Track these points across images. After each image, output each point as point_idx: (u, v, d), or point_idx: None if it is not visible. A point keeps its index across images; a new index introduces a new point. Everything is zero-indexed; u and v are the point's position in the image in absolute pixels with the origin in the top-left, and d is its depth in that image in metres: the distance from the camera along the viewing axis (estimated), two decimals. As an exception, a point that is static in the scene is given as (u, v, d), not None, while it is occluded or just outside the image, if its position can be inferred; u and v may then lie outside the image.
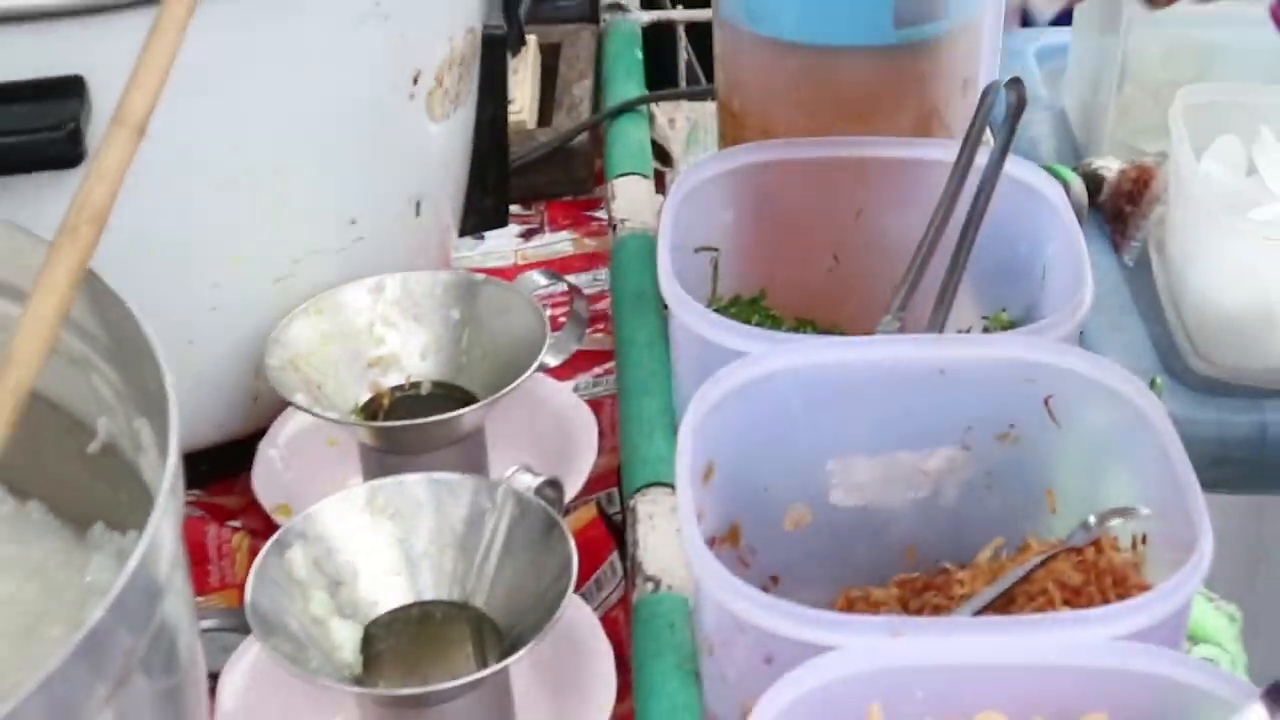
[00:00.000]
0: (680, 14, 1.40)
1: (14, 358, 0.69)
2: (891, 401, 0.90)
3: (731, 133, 1.17)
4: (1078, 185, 1.39)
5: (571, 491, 0.99)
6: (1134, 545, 0.84)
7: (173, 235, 0.90)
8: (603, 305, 1.22)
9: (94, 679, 0.63)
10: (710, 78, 1.22)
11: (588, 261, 1.29)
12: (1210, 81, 1.37)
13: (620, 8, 1.45)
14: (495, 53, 1.21)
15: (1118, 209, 1.39)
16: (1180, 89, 1.35)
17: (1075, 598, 0.83)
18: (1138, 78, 1.41)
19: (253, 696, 0.89)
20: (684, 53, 1.40)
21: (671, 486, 0.87)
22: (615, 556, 0.99)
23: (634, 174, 1.21)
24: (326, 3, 0.99)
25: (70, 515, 0.86)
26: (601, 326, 1.20)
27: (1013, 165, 1.01)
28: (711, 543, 0.81)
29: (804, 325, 1.08)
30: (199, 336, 1.00)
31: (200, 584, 0.99)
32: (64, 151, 0.90)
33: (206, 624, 0.82)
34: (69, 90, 0.91)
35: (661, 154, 1.35)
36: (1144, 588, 0.80)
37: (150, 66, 0.77)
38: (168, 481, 0.67)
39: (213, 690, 0.85)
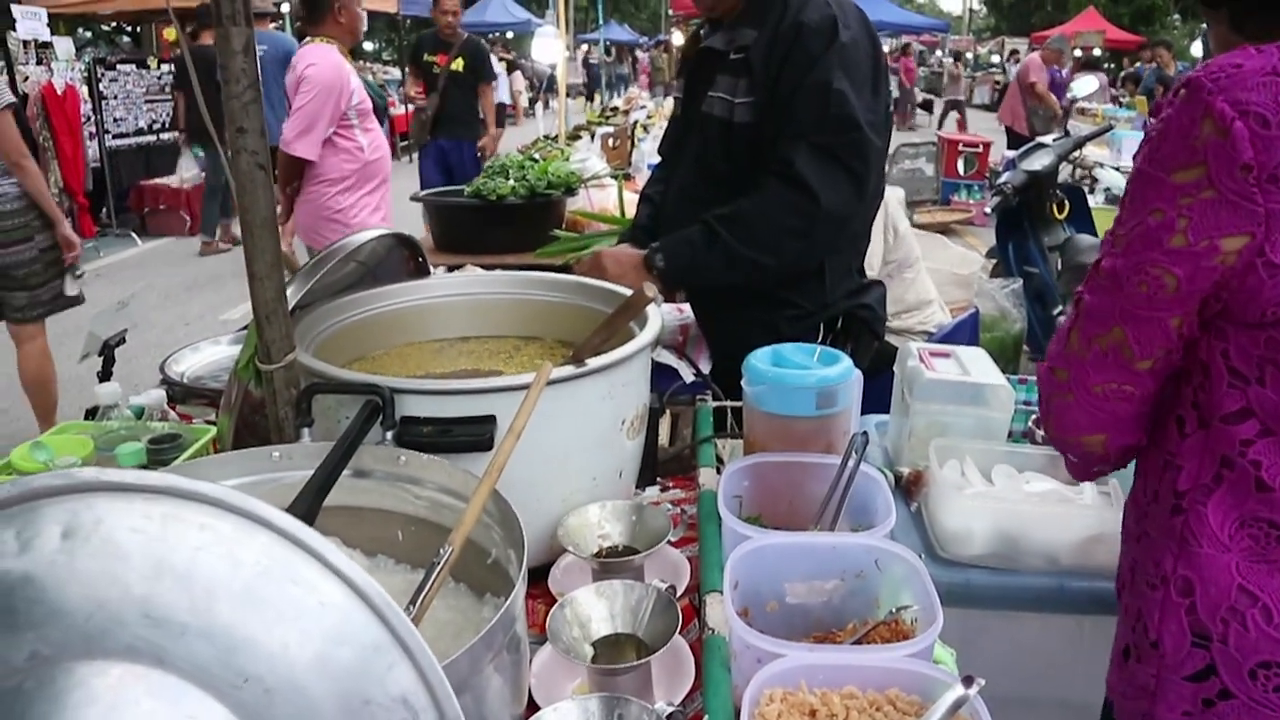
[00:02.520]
0: (730, 403, 1.42)
1: (464, 521, 0.75)
2: (813, 558, 0.92)
3: (748, 450, 1.18)
4: (891, 477, 1.33)
5: (680, 590, 1.01)
6: (911, 621, 0.84)
7: (524, 476, 0.91)
8: (692, 517, 1.21)
9: (486, 651, 0.68)
10: (740, 427, 1.23)
11: (689, 502, 1.28)
12: (946, 436, 1.37)
13: (703, 399, 1.44)
14: (654, 416, 1.27)
15: (908, 487, 1.38)
16: (933, 439, 1.36)
17: (887, 641, 0.84)
18: (914, 434, 1.41)
19: (545, 667, 0.90)
20: (729, 417, 1.41)
21: (720, 592, 0.89)
22: (696, 621, 0.98)
23: (707, 466, 1.23)
24: (591, 394, 1.04)
25: (476, 589, 0.90)
26: (693, 525, 1.19)
27: (864, 467, 1.04)
28: (736, 615, 0.83)
29: (778, 526, 1.04)
30: (534, 519, 0.97)
31: (528, 622, 1.00)
32: (486, 444, 0.94)
33: (530, 638, 0.85)
34: (488, 420, 0.96)
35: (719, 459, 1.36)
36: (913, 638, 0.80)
37: (522, 414, 0.85)
38: (520, 578, 0.74)
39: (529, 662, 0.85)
